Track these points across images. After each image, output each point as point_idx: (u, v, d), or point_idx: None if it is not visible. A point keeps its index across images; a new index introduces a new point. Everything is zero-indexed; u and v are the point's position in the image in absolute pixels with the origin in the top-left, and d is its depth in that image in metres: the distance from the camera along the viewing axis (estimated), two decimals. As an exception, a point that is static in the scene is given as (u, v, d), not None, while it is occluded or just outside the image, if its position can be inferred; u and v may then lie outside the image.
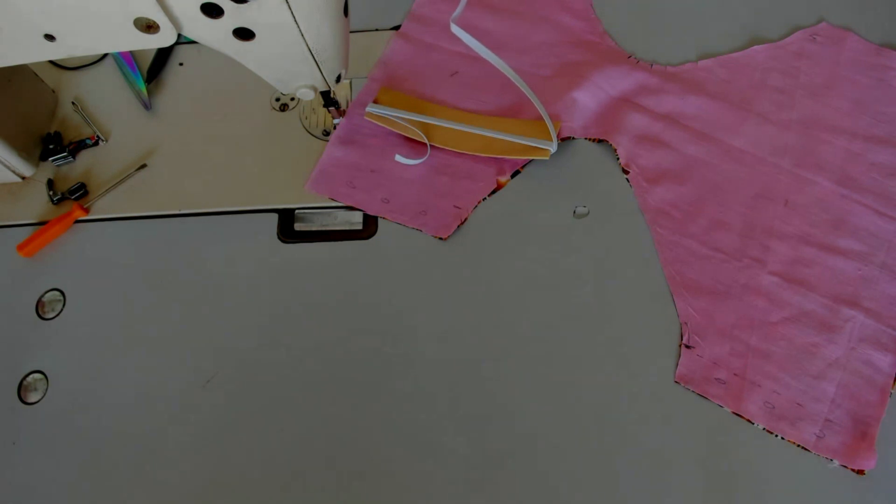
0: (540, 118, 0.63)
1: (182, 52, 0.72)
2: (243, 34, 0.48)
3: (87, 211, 0.63)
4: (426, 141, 0.63)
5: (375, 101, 0.65)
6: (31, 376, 0.57)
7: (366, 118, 0.64)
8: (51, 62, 0.72)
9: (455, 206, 0.61)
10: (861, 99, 0.63)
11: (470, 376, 0.55)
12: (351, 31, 0.56)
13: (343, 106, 0.65)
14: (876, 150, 0.61)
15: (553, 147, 0.61)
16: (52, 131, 0.67)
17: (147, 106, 0.68)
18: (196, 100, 0.69)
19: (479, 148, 0.62)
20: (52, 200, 0.64)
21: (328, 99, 0.60)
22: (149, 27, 0.46)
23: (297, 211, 0.63)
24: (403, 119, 0.64)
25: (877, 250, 0.57)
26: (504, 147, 0.62)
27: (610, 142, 0.63)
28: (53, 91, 0.70)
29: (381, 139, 0.65)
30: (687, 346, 0.54)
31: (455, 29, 0.52)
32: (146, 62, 0.71)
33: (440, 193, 0.62)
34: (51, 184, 0.64)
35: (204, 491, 0.52)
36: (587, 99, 0.65)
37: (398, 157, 0.63)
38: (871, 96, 0.63)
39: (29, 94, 0.67)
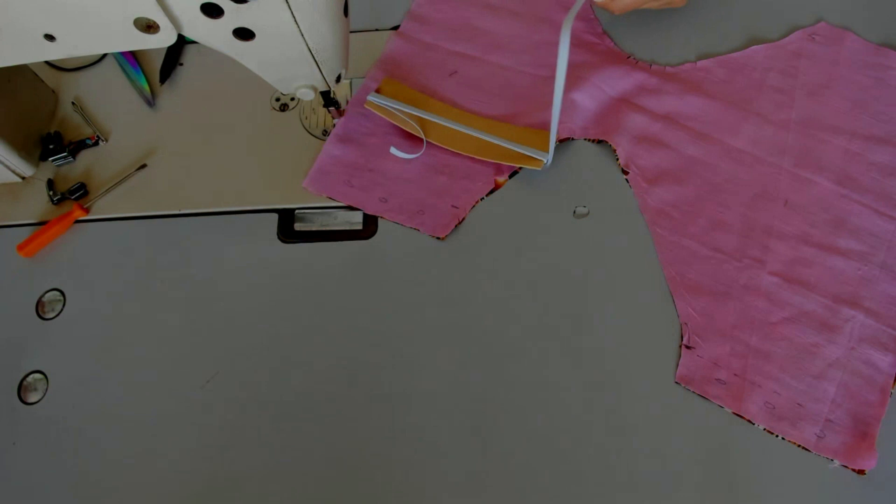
0: (538, 126, 0.63)
1: (182, 52, 0.72)
2: (243, 34, 0.48)
3: (87, 211, 0.63)
4: (422, 136, 0.63)
5: (378, 91, 0.65)
6: (31, 376, 0.57)
7: (365, 106, 0.64)
8: (50, 64, 0.72)
9: (453, 206, 0.61)
10: (860, 98, 0.63)
11: (469, 375, 0.55)
12: (351, 31, 0.57)
13: (343, 106, 0.65)
14: (875, 149, 0.61)
15: (548, 159, 0.60)
16: (52, 131, 0.67)
17: (150, 103, 0.68)
18: (196, 100, 0.69)
19: (474, 150, 0.62)
20: (52, 200, 0.64)
21: (328, 99, 0.60)
22: (149, 27, 0.46)
23: (297, 211, 0.63)
24: (402, 112, 0.64)
25: (877, 250, 0.57)
26: (498, 152, 0.62)
27: (609, 142, 0.63)
28: (53, 91, 0.70)
29: (380, 138, 0.65)
30: (687, 347, 0.54)
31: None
32: (157, 62, 0.71)
33: (438, 193, 0.62)
34: (51, 184, 0.64)
35: (204, 491, 0.52)
36: (586, 99, 0.65)
37: (393, 150, 0.63)
38: (870, 96, 0.63)
39: (29, 94, 0.67)
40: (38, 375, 0.57)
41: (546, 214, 0.61)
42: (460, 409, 0.54)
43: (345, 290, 0.59)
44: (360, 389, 0.55)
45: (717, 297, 0.56)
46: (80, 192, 0.64)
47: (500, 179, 0.63)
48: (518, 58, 0.69)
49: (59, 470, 0.53)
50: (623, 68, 0.66)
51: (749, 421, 0.52)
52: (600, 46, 0.69)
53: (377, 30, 0.72)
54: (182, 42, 0.71)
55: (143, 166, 0.65)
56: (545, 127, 0.63)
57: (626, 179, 0.62)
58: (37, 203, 0.64)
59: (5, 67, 0.51)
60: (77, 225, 0.63)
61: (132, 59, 0.70)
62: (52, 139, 0.66)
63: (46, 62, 0.71)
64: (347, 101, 0.67)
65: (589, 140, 0.64)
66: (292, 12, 0.47)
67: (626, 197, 0.61)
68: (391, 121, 0.64)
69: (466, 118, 0.65)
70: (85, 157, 0.67)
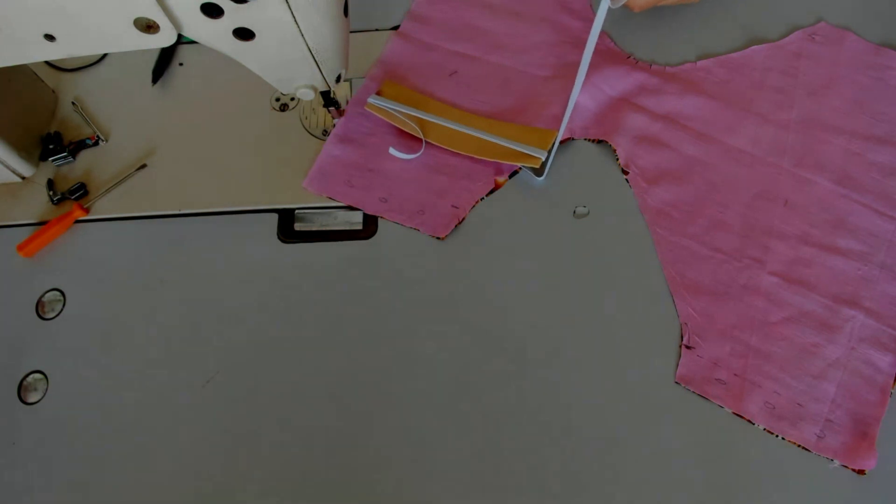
0: (537, 125, 0.63)
1: (182, 52, 0.72)
2: (243, 34, 0.48)
3: (87, 211, 0.63)
4: (422, 137, 0.63)
5: (378, 93, 0.65)
6: (31, 376, 0.57)
7: (365, 108, 0.64)
8: (50, 64, 0.72)
9: (453, 206, 0.61)
10: (860, 98, 0.64)
11: (470, 375, 0.55)
12: (351, 31, 0.57)
13: (343, 106, 0.65)
14: (875, 149, 0.61)
15: (543, 156, 0.60)
16: (52, 131, 0.67)
17: None
18: (196, 100, 0.69)
19: (474, 149, 0.62)
20: (52, 200, 0.64)
21: (328, 99, 0.61)
22: (149, 27, 0.47)
23: (297, 211, 0.63)
24: (402, 113, 0.64)
25: (877, 250, 0.57)
26: (498, 151, 0.62)
27: (609, 142, 0.63)
28: (53, 91, 0.70)
29: (380, 138, 0.65)
30: (687, 347, 0.54)
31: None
32: (150, 62, 0.71)
33: (438, 193, 0.62)
34: (51, 184, 0.64)
35: (204, 491, 0.52)
36: (586, 99, 0.65)
37: (392, 151, 0.63)
38: (870, 96, 0.64)
39: (29, 94, 0.67)
40: (38, 375, 0.57)
41: (546, 214, 0.61)
42: (460, 408, 0.54)
43: (345, 290, 0.59)
44: (359, 389, 0.55)
45: (717, 297, 0.56)
46: (80, 192, 0.64)
47: (500, 179, 0.63)
48: (518, 58, 0.69)
49: (59, 470, 0.53)
50: (623, 68, 0.66)
51: (749, 421, 0.52)
52: (600, 46, 0.69)
53: (377, 30, 0.72)
54: (176, 42, 0.71)
55: (143, 166, 0.65)
56: (545, 126, 0.63)
57: (626, 179, 0.62)
58: (37, 203, 0.64)
59: (5, 67, 0.51)
60: (77, 225, 0.63)
61: None
62: (52, 139, 0.66)
63: (46, 62, 0.71)
64: (347, 101, 0.67)
65: (589, 140, 0.64)
66: (292, 12, 0.47)
67: (626, 197, 0.61)
68: (391, 122, 0.64)
69: (466, 118, 0.65)
70: (85, 157, 0.67)
